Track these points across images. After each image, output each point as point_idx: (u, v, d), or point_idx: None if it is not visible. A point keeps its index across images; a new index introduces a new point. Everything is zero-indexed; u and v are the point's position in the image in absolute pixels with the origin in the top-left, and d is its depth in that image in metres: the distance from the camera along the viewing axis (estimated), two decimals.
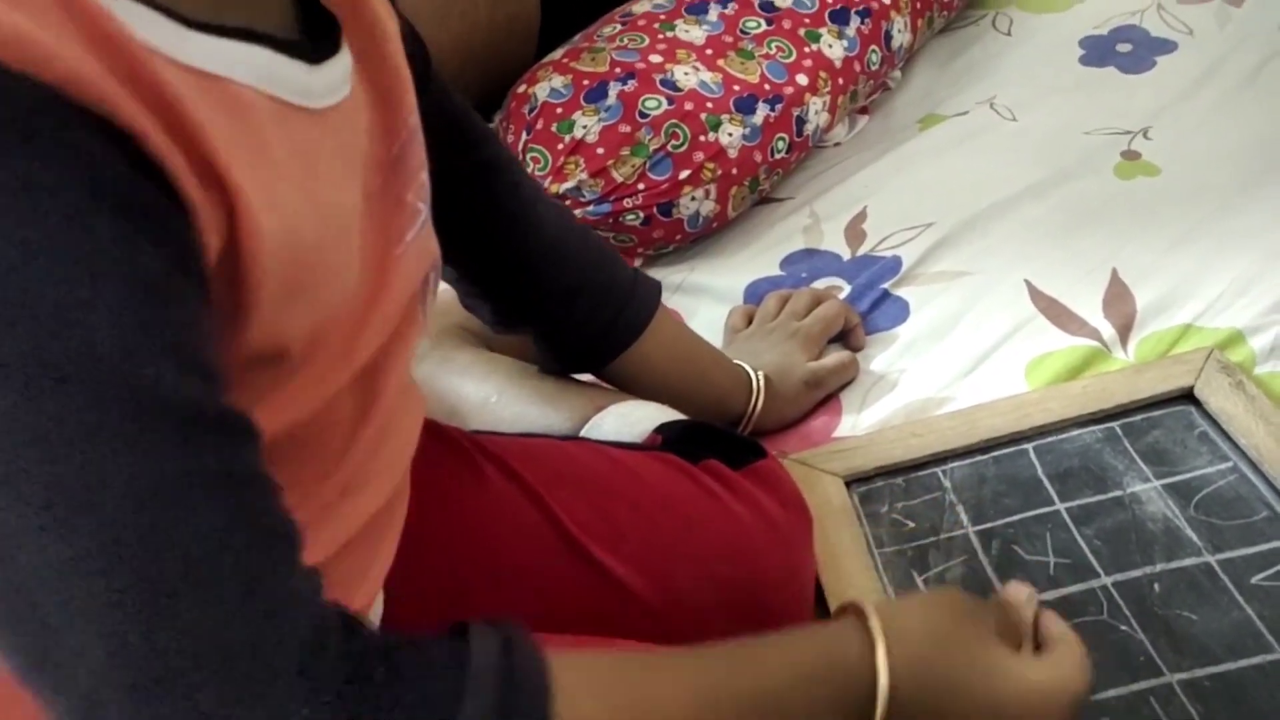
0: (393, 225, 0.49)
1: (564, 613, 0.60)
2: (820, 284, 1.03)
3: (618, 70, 1.10)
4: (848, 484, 0.80)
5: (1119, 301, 0.92)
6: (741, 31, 1.16)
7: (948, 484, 0.78)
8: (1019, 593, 0.55)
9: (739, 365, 0.83)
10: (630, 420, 0.75)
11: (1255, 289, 0.90)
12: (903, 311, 0.97)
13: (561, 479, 0.65)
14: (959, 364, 0.89)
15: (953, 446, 0.80)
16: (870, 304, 0.98)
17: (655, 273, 1.10)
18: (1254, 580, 0.66)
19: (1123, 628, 0.65)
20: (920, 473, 0.80)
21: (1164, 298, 0.91)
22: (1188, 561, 0.68)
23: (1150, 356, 0.85)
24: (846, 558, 0.74)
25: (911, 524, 0.76)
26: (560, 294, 0.72)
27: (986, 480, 0.78)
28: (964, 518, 0.75)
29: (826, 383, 0.87)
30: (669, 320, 0.80)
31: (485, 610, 0.60)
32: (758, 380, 0.82)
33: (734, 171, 1.09)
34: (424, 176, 0.53)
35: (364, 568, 0.52)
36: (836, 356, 0.90)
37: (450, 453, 0.64)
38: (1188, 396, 0.80)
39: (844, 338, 0.94)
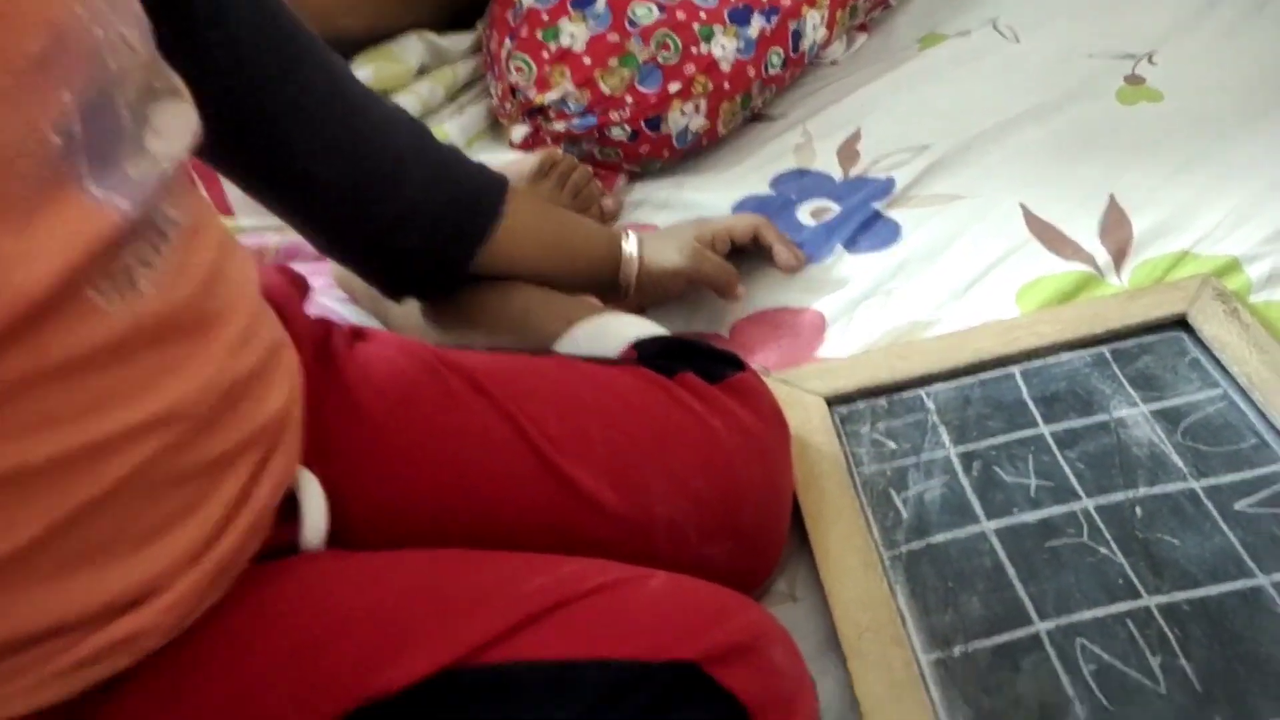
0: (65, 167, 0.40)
1: (535, 527, 0.59)
2: (810, 205, 1.01)
3: None
4: (829, 404, 0.78)
5: (1115, 227, 0.90)
6: None
7: (931, 406, 0.76)
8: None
9: (610, 231, 0.82)
10: (604, 334, 0.73)
11: (1254, 219, 0.87)
12: (893, 233, 0.94)
13: (531, 393, 0.63)
14: (949, 287, 0.87)
15: (938, 369, 0.78)
16: (860, 224, 0.95)
17: (640, 189, 1.07)
18: (1238, 506, 0.65)
19: (1102, 550, 0.64)
20: (903, 394, 0.78)
21: (1161, 224, 0.89)
22: (1172, 487, 0.67)
23: (1145, 283, 0.83)
24: (825, 477, 0.72)
25: (892, 444, 0.74)
26: (390, 222, 0.69)
27: (971, 402, 0.76)
28: (946, 439, 0.74)
29: (705, 262, 0.84)
30: (525, 210, 0.76)
31: (456, 523, 0.59)
32: (630, 242, 0.81)
33: (726, 86, 1.06)
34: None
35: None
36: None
37: (416, 367, 0.62)
38: (1181, 323, 0.78)
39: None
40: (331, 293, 0.93)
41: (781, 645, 0.53)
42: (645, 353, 0.70)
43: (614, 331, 0.73)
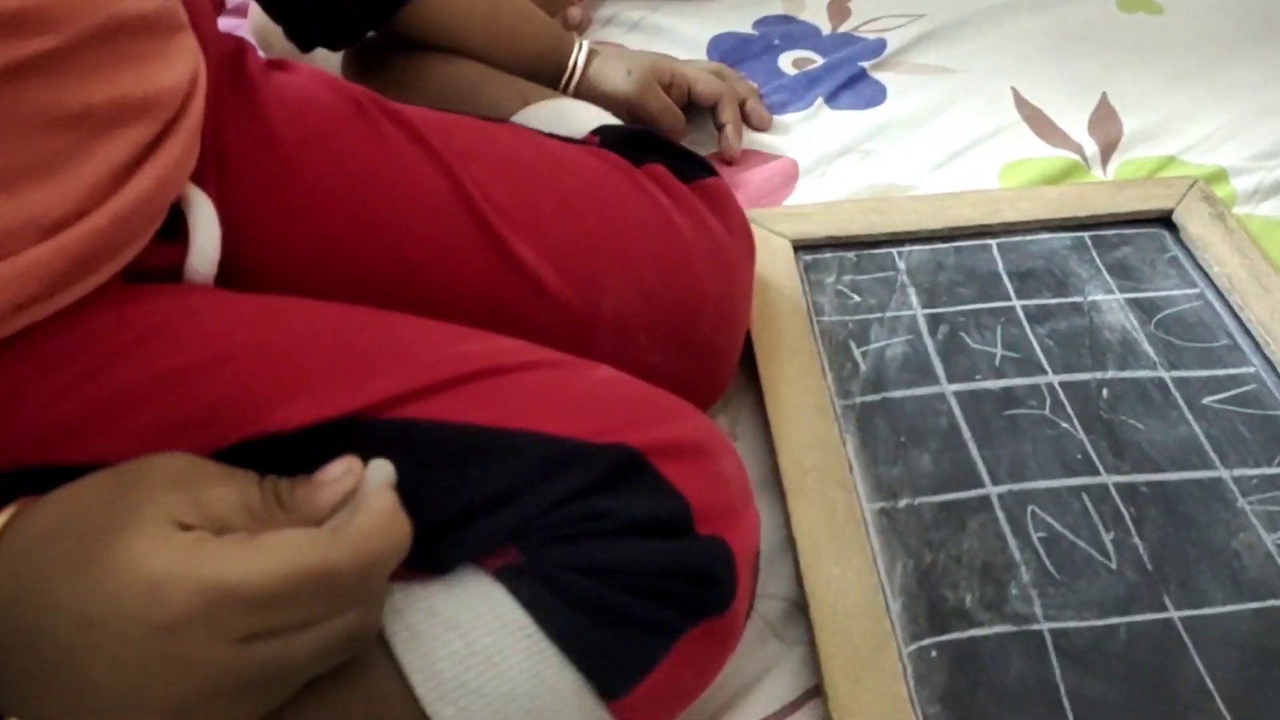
0: None
1: (465, 301, 0.52)
2: (792, 54, 0.94)
3: None
4: (796, 249, 0.73)
5: (1105, 122, 0.86)
6: None
7: (902, 265, 0.72)
8: (331, 471, 0.38)
9: (560, 31, 0.75)
10: (564, 117, 0.65)
11: (1245, 135, 0.85)
12: (878, 94, 0.89)
13: (477, 153, 0.54)
14: (931, 156, 0.82)
15: (914, 229, 0.73)
16: (844, 80, 0.89)
17: (612, 5, 0.99)
18: (1205, 401, 0.62)
19: (1062, 424, 0.61)
20: (875, 250, 0.73)
21: (1152, 127, 0.85)
22: (1141, 373, 0.64)
23: (1129, 179, 0.80)
24: (784, 319, 0.67)
25: (857, 298, 0.70)
26: None
27: (944, 268, 0.72)
28: (914, 299, 0.69)
29: (653, 99, 0.78)
30: None
31: (375, 282, 0.51)
32: (580, 51, 0.74)
33: None
34: None
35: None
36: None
37: (342, 102, 0.53)
38: (1164, 221, 0.75)
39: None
40: None
41: (730, 459, 0.47)
42: (608, 139, 0.62)
43: (577, 116, 0.65)
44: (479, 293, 0.52)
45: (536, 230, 0.53)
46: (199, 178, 0.47)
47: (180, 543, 0.32)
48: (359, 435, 0.40)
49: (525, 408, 0.43)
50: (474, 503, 0.40)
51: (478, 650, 0.38)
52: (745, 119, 0.84)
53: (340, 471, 0.37)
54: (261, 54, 0.55)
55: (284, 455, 0.39)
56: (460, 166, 0.53)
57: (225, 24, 0.96)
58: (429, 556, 0.40)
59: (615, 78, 0.76)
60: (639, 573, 0.41)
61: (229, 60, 0.52)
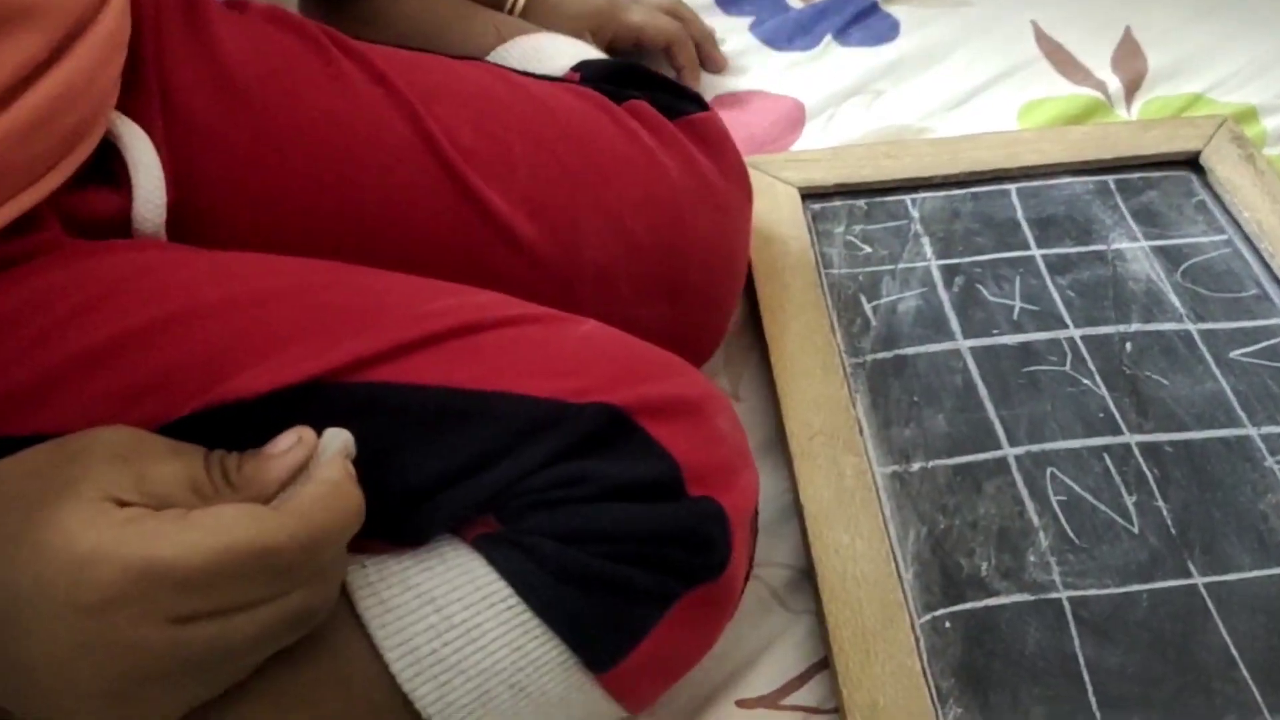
0: None
1: (432, 252, 0.49)
2: None
3: None
4: (803, 197, 0.69)
5: (1130, 58, 0.82)
6: None
7: (915, 214, 0.69)
8: (281, 443, 0.36)
9: None
10: (543, 54, 0.61)
11: (1273, 72, 0.80)
12: (891, 29, 0.85)
13: (443, 92, 0.51)
14: (946, 95, 0.79)
15: (928, 174, 0.70)
16: (854, 14, 0.85)
17: None
18: (1233, 354, 0.60)
19: (1084, 381, 0.58)
20: (886, 198, 0.70)
21: (1177, 62, 0.81)
22: (1166, 326, 0.61)
23: (1155, 119, 0.76)
24: (790, 272, 0.64)
25: (868, 249, 0.67)
26: None
27: (960, 215, 0.68)
28: (928, 250, 0.66)
29: (641, 9, 0.74)
30: None
31: (336, 234, 0.47)
32: None
33: None
34: None
35: None
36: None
37: (299, 42, 0.49)
38: (1191, 163, 0.71)
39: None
40: None
41: (727, 417, 0.45)
42: (590, 75, 0.58)
43: (557, 51, 0.61)
44: (448, 244, 0.49)
45: (508, 176, 0.50)
46: (143, 118, 0.43)
47: (113, 519, 0.30)
48: (324, 402, 0.38)
49: (502, 368, 0.40)
50: (449, 470, 0.38)
51: (456, 624, 0.36)
52: (701, 63, 0.80)
53: (290, 443, 0.35)
54: None
55: (244, 425, 0.36)
56: (425, 108, 0.49)
57: None
58: (403, 528, 0.38)
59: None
60: (625, 538, 0.38)
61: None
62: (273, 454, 0.35)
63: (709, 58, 0.81)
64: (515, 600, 0.37)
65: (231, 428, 0.36)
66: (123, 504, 0.32)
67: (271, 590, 0.32)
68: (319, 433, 0.36)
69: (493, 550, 0.38)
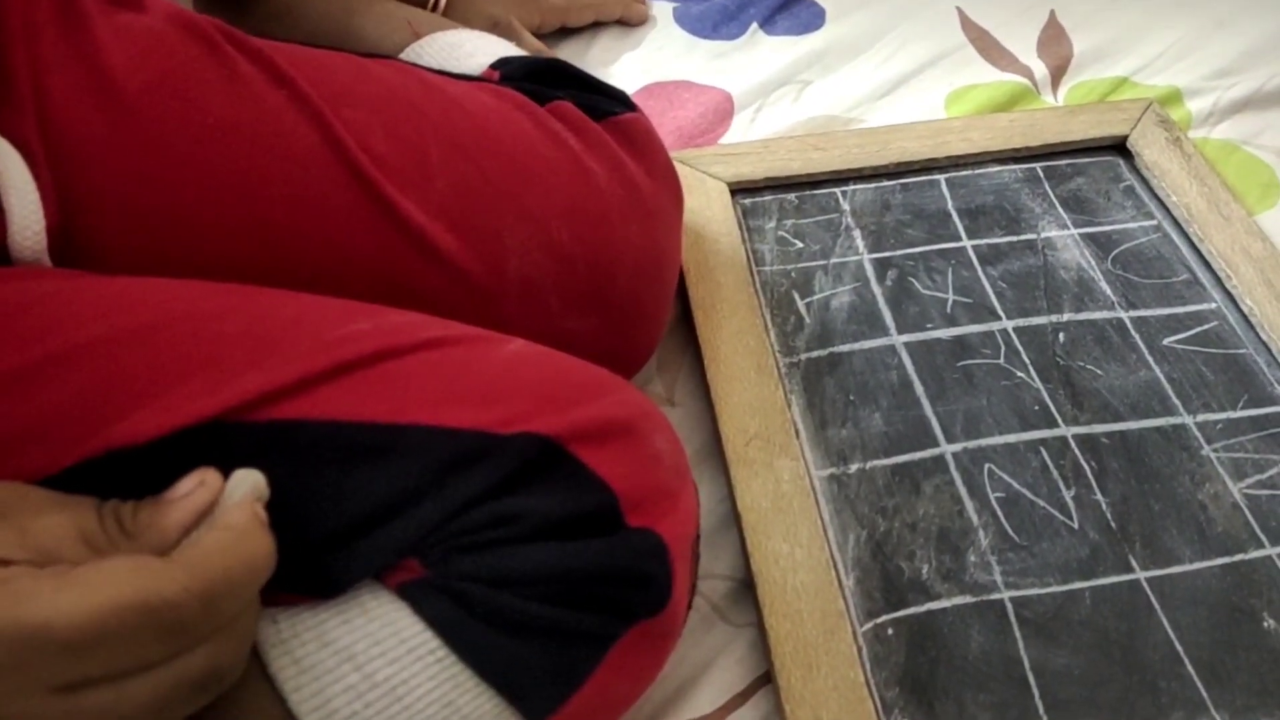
0: None
1: (351, 270, 0.45)
2: None
3: None
4: (733, 192, 0.68)
5: (1055, 43, 0.81)
6: None
7: (846, 206, 0.67)
8: (181, 487, 0.33)
9: None
10: (461, 51, 0.58)
11: (1197, 53, 0.81)
12: (816, 18, 0.83)
13: (352, 95, 0.47)
14: (873, 84, 0.77)
15: (858, 166, 0.69)
16: (779, 2, 0.83)
17: None
18: (1166, 342, 0.59)
19: (1018, 374, 0.58)
20: (816, 191, 0.68)
21: (1102, 47, 0.81)
22: (1098, 314, 0.61)
23: (1081, 104, 0.76)
24: (722, 271, 0.63)
25: (799, 244, 0.65)
26: None
27: (890, 207, 0.67)
28: (860, 243, 0.65)
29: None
30: None
31: (237, 254, 0.44)
32: None
33: None
34: None
35: None
36: None
37: (191, 41, 0.45)
38: (1119, 148, 0.71)
39: None
40: None
41: (663, 434, 0.42)
42: (511, 73, 0.56)
43: (475, 48, 0.58)
44: (362, 261, 0.45)
45: (425, 184, 0.46)
46: (17, 136, 0.40)
47: None
48: (225, 443, 0.35)
49: (421, 397, 0.37)
50: (367, 513, 0.35)
51: (379, 683, 0.34)
52: (627, 20, 0.82)
53: (192, 486, 0.32)
54: None
55: (139, 474, 0.33)
56: (333, 112, 0.46)
57: None
58: (320, 578, 0.35)
59: None
60: (561, 579, 0.36)
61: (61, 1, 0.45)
62: (172, 499, 0.32)
63: (635, 13, 0.81)
64: (444, 652, 0.35)
65: (125, 478, 0.33)
66: (5, 563, 0.29)
67: (168, 649, 0.29)
68: (226, 475, 0.33)
69: (418, 598, 0.35)
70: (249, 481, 0.33)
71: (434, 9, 0.66)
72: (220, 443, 0.35)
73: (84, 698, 0.28)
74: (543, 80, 0.55)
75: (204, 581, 0.29)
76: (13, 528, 0.29)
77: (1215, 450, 0.54)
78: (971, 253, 0.64)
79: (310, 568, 0.35)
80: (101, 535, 0.31)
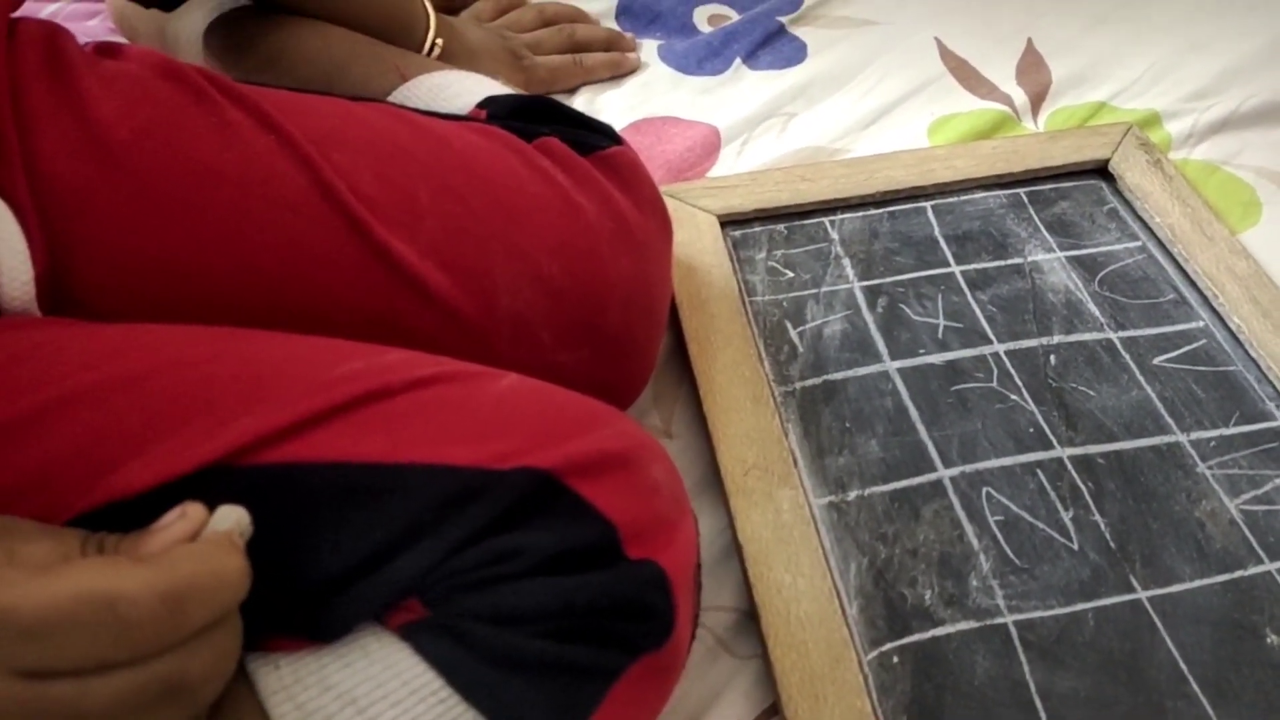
0: None
1: (343, 313, 0.46)
2: (707, 10, 0.89)
3: None
4: (723, 225, 0.68)
5: (1033, 70, 0.83)
6: None
7: (835, 235, 0.68)
8: (165, 519, 0.34)
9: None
10: (449, 92, 0.59)
11: (1174, 75, 0.82)
12: (798, 52, 0.84)
13: (340, 138, 0.48)
14: (856, 116, 0.78)
15: (845, 196, 0.69)
16: (762, 37, 0.84)
17: None
18: (1156, 361, 0.60)
19: (1012, 397, 0.58)
20: (805, 221, 0.69)
21: (1080, 73, 0.82)
22: (1088, 336, 0.61)
23: (1062, 129, 0.77)
24: (715, 303, 0.63)
25: (790, 274, 0.66)
26: None
27: (879, 235, 0.68)
28: (850, 271, 0.65)
29: (536, 66, 0.77)
30: None
31: (229, 301, 0.44)
32: (431, 11, 0.69)
33: None
34: None
35: None
36: (561, 58, 0.81)
37: (179, 89, 0.46)
38: (1101, 171, 0.72)
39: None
40: (114, 38, 0.75)
41: (661, 465, 0.42)
42: (498, 112, 0.56)
43: (462, 89, 0.59)
44: (354, 302, 0.46)
45: (415, 224, 0.47)
46: (5, 188, 0.40)
47: None
48: (224, 487, 0.35)
49: (416, 435, 0.37)
50: (365, 554, 0.35)
51: None
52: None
53: (173, 518, 0.32)
54: (89, 40, 0.48)
55: (139, 520, 0.33)
56: (322, 155, 0.46)
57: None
58: (321, 622, 0.35)
59: (487, 43, 0.73)
60: (563, 614, 0.36)
61: (39, 47, 0.45)
62: (154, 529, 0.32)
63: (626, 65, 0.83)
64: (448, 693, 0.34)
65: (123, 525, 0.33)
66: None
67: (130, 647, 0.29)
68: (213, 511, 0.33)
69: (420, 638, 0.35)
70: (232, 517, 0.33)
71: (429, 51, 0.68)
72: (217, 488, 0.35)
73: (48, 687, 0.28)
74: (529, 117, 0.55)
75: (167, 582, 0.29)
76: (1, 549, 0.29)
77: (1210, 467, 0.54)
78: (960, 278, 0.65)
79: (311, 611, 0.35)
80: (81, 556, 0.31)
